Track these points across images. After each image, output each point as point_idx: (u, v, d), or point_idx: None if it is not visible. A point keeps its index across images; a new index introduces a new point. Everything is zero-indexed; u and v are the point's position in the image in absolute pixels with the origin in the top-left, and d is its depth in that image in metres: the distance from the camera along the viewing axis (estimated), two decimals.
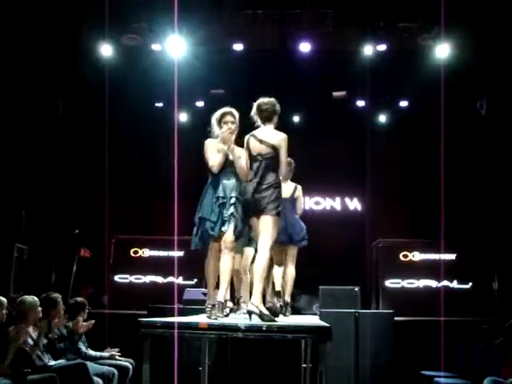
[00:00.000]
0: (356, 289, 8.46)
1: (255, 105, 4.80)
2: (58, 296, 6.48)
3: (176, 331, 3.78)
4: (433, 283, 10.85)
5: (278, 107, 4.86)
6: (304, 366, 7.09)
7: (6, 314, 5.63)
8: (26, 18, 10.23)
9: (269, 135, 4.61)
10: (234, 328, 3.74)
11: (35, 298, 5.84)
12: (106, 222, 10.37)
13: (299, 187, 6.20)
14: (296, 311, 8.38)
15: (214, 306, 4.51)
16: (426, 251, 11.00)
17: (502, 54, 10.50)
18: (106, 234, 11.03)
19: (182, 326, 3.83)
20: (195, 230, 4.76)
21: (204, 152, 4.82)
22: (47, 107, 11.19)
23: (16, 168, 10.23)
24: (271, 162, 4.50)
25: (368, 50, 11.57)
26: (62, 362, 5.97)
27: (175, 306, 7.99)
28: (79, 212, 12.25)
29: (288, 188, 5.94)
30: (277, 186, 4.47)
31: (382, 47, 11.59)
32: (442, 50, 10.85)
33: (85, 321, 6.61)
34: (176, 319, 4.24)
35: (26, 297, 5.86)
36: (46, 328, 5.94)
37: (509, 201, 10.61)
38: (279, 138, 4.59)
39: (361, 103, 13.74)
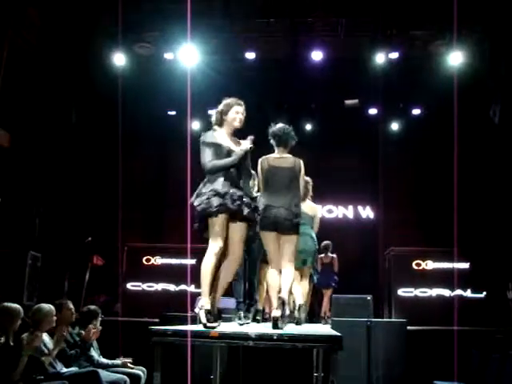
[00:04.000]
0: (368, 297, 8.42)
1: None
2: (65, 301, 6.50)
3: (187, 339, 3.78)
4: (446, 292, 10.77)
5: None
6: (316, 374, 7.06)
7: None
8: (42, 30, 10.36)
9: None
10: (245, 337, 3.73)
11: (51, 307, 5.86)
12: (119, 230, 10.42)
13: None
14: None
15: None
16: (439, 260, 10.93)
17: None
18: (120, 241, 11.07)
19: (193, 335, 3.83)
20: None
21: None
22: (61, 116, 11.30)
23: (30, 176, 10.32)
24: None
25: (380, 57, 11.57)
26: (74, 369, 5.98)
27: (188, 313, 7.97)
28: (92, 220, 12.31)
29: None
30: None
31: (395, 55, 11.59)
32: (455, 58, 10.82)
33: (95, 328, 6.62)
34: (187, 327, 4.24)
35: (42, 305, 5.88)
36: (62, 335, 5.94)
37: None
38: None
39: (373, 111, 13.72)
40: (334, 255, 10.62)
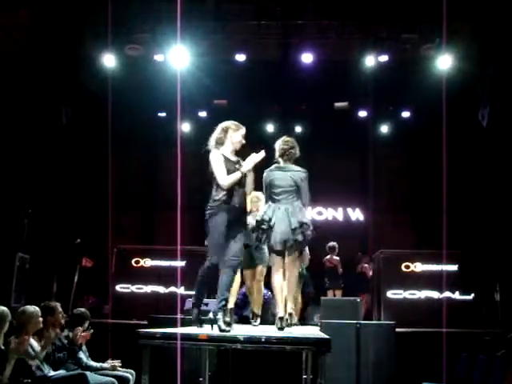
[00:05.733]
0: (358, 300, 8.44)
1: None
2: (56, 304, 6.46)
3: (175, 342, 3.77)
4: (435, 294, 10.79)
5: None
6: (304, 377, 7.07)
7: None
8: (32, 29, 10.32)
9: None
10: (234, 339, 3.74)
11: (36, 308, 5.79)
12: (109, 231, 10.38)
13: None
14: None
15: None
16: (428, 262, 10.95)
17: (503, 65, 10.53)
18: (109, 243, 11.03)
19: (182, 337, 3.83)
20: None
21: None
22: (51, 117, 11.25)
23: (19, 177, 10.26)
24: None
25: (370, 60, 11.62)
26: (62, 372, 5.94)
27: (178, 316, 7.96)
28: (81, 221, 12.26)
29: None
30: None
31: (384, 58, 11.64)
32: (444, 61, 10.89)
33: (86, 331, 6.59)
34: (175, 330, 4.24)
35: (26, 307, 5.82)
36: (53, 338, 5.89)
37: (511, 211, 10.60)
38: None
39: (363, 114, 13.78)
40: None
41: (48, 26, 10.53)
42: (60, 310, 6.40)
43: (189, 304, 8.62)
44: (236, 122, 5.08)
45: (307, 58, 11.81)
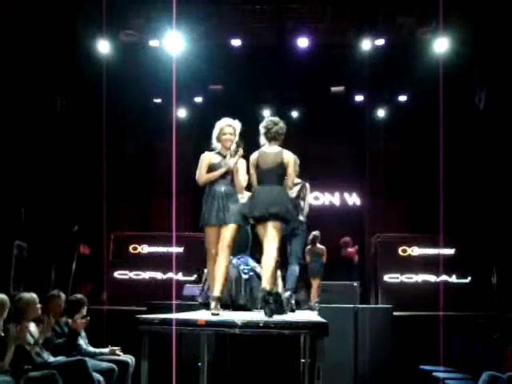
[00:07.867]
0: (355, 284, 8.48)
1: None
2: (57, 292, 6.51)
3: (174, 328, 3.78)
4: (432, 278, 10.87)
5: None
6: (303, 361, 7.12)
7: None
8: (24, 16, 10.22)
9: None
10: (232, 324, 3.74)
11: (33, 295, 5.82)
12: (103, 218, 10.37)
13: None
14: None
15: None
16: (424, 246, 11.02)
17: (500, 48, 10.49)
18: (104, 230, 11.02)
19: (180, 323, 3.84)
20: None
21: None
22: (45, 104, 11.18)
23: (15, 165, 10.22)
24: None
25: (366, 44, 11.54)
26: (61, 358, 5.98)
27: (173, 302, 7.98)
28: (78, 209, 12.25)
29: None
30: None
31: (381, 41, 11.57)
32: (441, 44, 10.84)
33: (83, 317, 6.62)
34: (174, 316, 4.24)
35: (23, 294, 5.86)
36: (49, 324, 5.91)
37: (508, 195, 10.62)
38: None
39: (359, 98, 13.73)
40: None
41: (40, 12, 10.43)
42: (61, 297, 6.44)
43: (187, 290, 8.66)
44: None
45: (303, 42, 11.74)
